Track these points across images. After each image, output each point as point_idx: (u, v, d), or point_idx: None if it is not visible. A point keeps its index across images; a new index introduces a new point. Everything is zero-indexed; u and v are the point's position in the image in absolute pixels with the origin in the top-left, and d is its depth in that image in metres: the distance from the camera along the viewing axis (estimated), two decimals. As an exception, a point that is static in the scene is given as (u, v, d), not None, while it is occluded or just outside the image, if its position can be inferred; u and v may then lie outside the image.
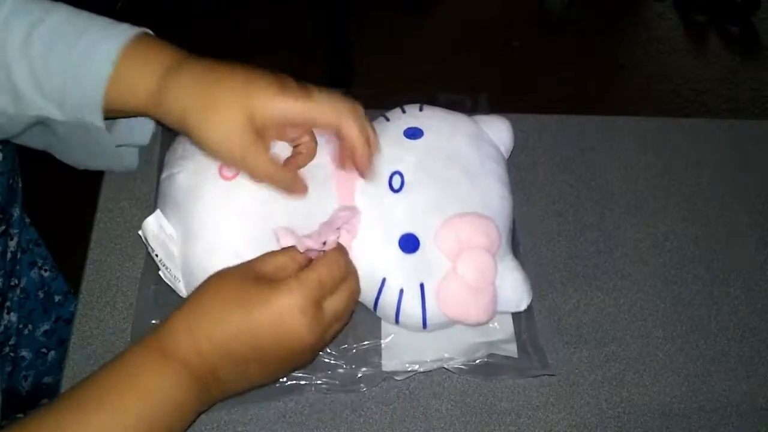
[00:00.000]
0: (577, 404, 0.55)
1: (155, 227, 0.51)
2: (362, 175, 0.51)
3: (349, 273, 0.48)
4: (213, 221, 0.50)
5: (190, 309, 0.45)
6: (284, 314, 0.43)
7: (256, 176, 0.49)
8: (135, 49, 0.48)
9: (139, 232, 0.52)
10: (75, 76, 0.48)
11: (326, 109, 0.47)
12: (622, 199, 0.66)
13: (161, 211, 0.52)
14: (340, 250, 0.49)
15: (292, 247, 0.48)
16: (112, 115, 0.51)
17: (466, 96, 0.64)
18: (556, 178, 0.66)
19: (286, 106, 0.47)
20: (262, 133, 0.48)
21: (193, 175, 0.51)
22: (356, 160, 0.50)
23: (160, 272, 0.52)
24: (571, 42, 1.92)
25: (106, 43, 0.48)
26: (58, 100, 0.49)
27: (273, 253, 0.48)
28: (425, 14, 1.98)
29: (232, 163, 0.49)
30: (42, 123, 0.51)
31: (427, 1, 2.00)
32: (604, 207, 0.65)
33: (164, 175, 0.53)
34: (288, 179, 0.49)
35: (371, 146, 0.50)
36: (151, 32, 0.51)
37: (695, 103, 1.84)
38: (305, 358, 0.48)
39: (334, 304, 0.46)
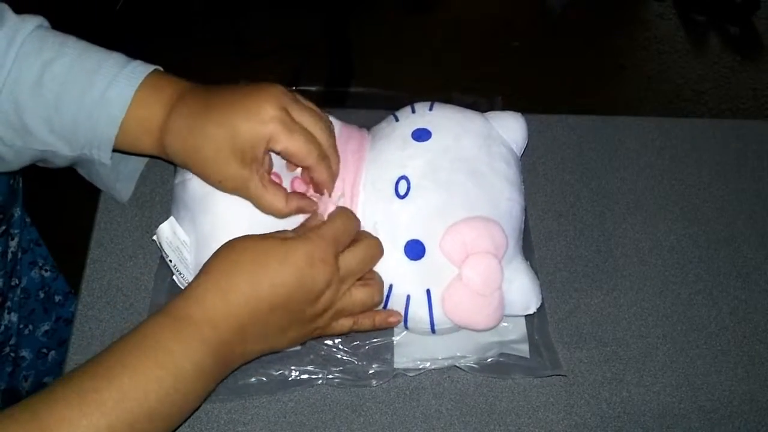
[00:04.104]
0: (577, 404, 0.55)
1: (169, 234, 0.52)
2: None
3: (363, 236, 0.51)
4: (225, 230, 0.50)
5: (219, 273, 0.45)
6: (308, 262, 0.45)
7: (263, 208, 0.50)
8: (145, 91, 0.49)
9: (154, 237, 0.52)
10: (87, 117, 0.49)
11: (298, 145, 0.48)
12: (622, 199, 0.66)
13: (174, 216, 0.53)
14: (347, 210, 0.51)
15: (301, 226, 0.51)
16: (121, 151, 0.52)
17: (480, 98, 0.63)
18: (556, 178, 0.66)
19: (266, 136, 0.47)
20: (262, 164, 0.49)
21: (206, 183, 0.51)
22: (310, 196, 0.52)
23: (174, 277, 0.53)
24: (571, 42, 1.92)
25: (119, 84, 0.49)
26: (68, 138, 0.50)
27: (284, 230, 0.49)
28: (425, 14, 1.98)
29: (240, 195, 0.50)
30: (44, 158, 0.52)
31: (427, 1, 2.00)
32: (604, 207, 0.65)
33: (177, 180, 0.53)
34: (294, 207, 0.50)
35: (327, 189, 0.52)
36: (161, 69, 0.52)
37: (695, 103, 1.84)
38: (318, 319, 0.48)
39: (347, 259, 0.48)
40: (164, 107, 0.49)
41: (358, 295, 0.49)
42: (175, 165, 0.53)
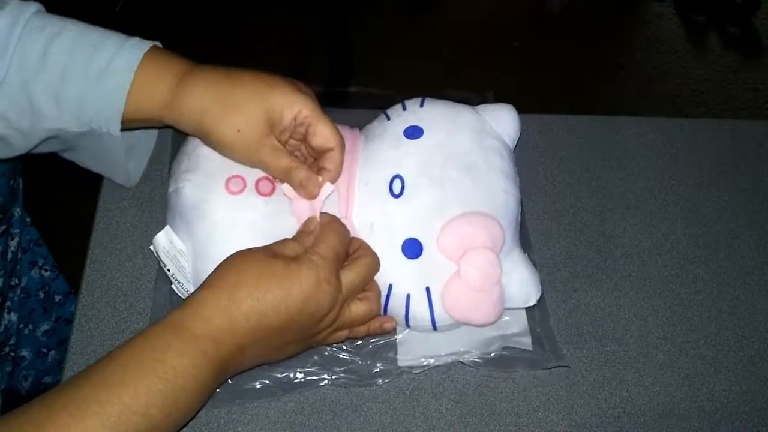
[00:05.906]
0: (577, 404, 0.55)
1: (166, 243, 0.51)
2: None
3: (360, 249, 0.51)
4: (221, 237, 0.50)
5: (221, 288, 0.45)
6: (313, 287, 0.46)
7: (273, 169, 0.50)
8: (150, 60, 0.50)
9: (151, 247, 0.52)
10: (94, 87, 0.49)
11: (329, 126, 0.50)
12: (622, 199, 0.66)
13: (170, 225, 0.52)
14: (336, 220, 0.51)
15: (300, 233, 0.51)
16: (126, 125, 0.52)
17: (473, 94, 0.64)
18: (556, 178, 0.66)
19: (302, 104, 0.49)
20: (278, 134, 0.50)
21: (199, 190, 0.51)
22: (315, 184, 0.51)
23: (173, 286, 0.53)
24: (571, 42, 1.92)
25: (124, 54, 0.50)
26: (75, 111, 0.50)
27: (285, 240, 0.50)
28: (425, 14, 1.98)
29: (248, 158, 0.50)
30: (51, 137, 0.52)
31: (427, 1, 2.00)
32: (604, 207, 0.65)
33: (171, 189, 0.53)
34: (303, 176, 0.50)
35: (332, 179, 0.52)
36: (160, 45, 0.53)
37: (695, 103, 1.84)
38: (318, 334, 0.49)
39: (350, 278, 0.48)
40: (171, 74, 0.50)
41: (358, 311, 0.50)
42: (186, 133, 0.53)
